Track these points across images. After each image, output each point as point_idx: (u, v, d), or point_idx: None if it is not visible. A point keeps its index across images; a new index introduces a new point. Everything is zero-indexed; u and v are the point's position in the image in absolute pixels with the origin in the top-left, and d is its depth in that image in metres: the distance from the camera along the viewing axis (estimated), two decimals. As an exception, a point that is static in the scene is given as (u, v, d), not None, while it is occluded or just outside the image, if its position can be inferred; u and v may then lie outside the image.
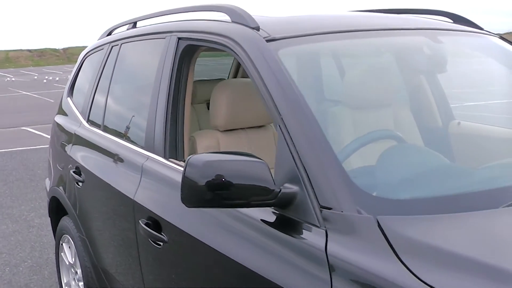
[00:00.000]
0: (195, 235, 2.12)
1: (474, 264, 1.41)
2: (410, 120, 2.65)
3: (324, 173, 1.71)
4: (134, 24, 3.45)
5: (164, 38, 2.75)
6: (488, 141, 2.77)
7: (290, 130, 1.83)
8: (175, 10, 2.93)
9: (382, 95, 2.58)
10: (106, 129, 3.27)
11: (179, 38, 2.61)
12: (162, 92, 2.60)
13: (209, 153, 1.76)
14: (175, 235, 2.26)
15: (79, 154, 3.45)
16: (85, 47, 4.13)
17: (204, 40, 2.44)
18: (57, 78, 31.79)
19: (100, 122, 3.35)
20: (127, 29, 3.48)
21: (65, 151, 3.68)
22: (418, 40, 2.59)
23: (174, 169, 2.37)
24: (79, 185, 3.34)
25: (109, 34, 3.78)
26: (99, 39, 3.88)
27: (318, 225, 1.66)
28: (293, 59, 2.21)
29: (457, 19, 2.95)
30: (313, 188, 1.70)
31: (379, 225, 1.55)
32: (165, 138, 2.52)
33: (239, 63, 3.27)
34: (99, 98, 3.45)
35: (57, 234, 3.88)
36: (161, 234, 2.32)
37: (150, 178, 2.55)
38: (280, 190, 1.73)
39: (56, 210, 3.90)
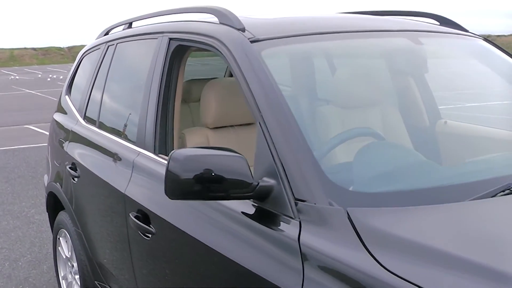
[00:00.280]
0: (180, 227, 2.22)
1: (436, 253, 1.49)
2: (398, 119, 2.73)
3: (299, 167, 1.80)
4: (129, 25, 3.55)
5: (156, 38, 2.84)
6: (473, 140, 2.86)
7: (269, 127, 1.92)
8: (168, 11, 3.03)
9: (366, 95, 2.66)
10: (101, 126, 3.37)
11: (170, 39, 2.71)
12: (153, 90, 2.69)
13: (191, 148, 1.86)
14: (162, 227, 2.36)
15: (75, 151, 3.54)
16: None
17: (193, 40, 2.54)
18: (61, 77, 31.86)
19: (95, 119, 3.45)
20: (123, 29, 3.57)
21: (62, 148, 3.78)
22: (400, 42, 2.67)
23: (162, 165, 2.46)
24: (74, 180, 3.44)
25: (106, 33, 3.88)
26: (96, 39, 3.98)
27: (293, 217, 1.75)
28: (276, 59, 2.30)
29: (443, 21, 3.03)
30: (289, 182, 1.79)
31: (348, 217, 1.64)
32: (155, 134, 2.61)
33: None
34: (95, 96, 3.55)
35: (54, 229, 3.99)
36: (150, 226, 2.42)
37: (140, 173, 2.65)
38: (258, 183, 1.82)
39: (54, 205, 4.00)
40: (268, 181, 1.84)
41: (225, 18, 2.41)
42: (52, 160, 4.06)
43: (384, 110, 2.71)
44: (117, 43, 3.46)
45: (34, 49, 61.05)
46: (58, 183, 3.81)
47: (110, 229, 2.99)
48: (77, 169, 3.41)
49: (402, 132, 2.64)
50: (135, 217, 2.52)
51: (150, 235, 2.43)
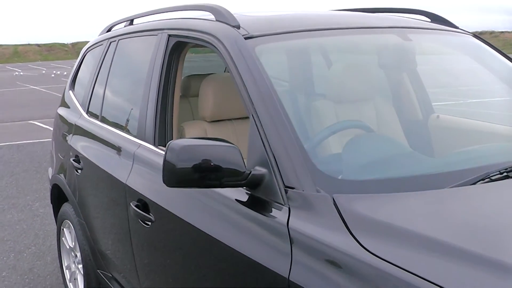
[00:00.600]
0: (178, 214, 2.33)
1: (414, 235, 1.60)
2: (392, 114, 2.83)
3: (289, 157, 1.91)
4: (131, 21, 3.65)
5: (156, 35, 2.94)
6: (464, 133, 2.96)
7: (261, 119, 2.02)
8: (167, 9, 3.14)
9: (359, 90, 2.77)
10: (103, 119, 3.48)
11: (170, 35, 2.81)
12: (153, 85, 2.80)
13: (187, 139, 1.96)
14: (161, 215, 2.47)
15: (79, 144, 3.66)
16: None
17: (191, 37, 2.64)
18: (65, 73, 31.96)
19: (98, 113, 3.56)
20: (125, 26, 3.68)
21: (66, 141, 3.90)
22: (391, 38, 2.77)
23: (162, 156, 2.57)
24: (78, 172, 3.55)
25: (109, 30, 3.98)
26: (99, 35, 4.09)
27: (283, 203, 1.85)
28: (269, 55, 2.40)
29: (434, 18, 3.13)
30: (279, 171, 1.90)
31: (334, 203, 1.75)
32: (155, 127, 2.72)
33: None
34: (98, 91, 3.66)
35: (58, 220, 4.10)
36: (149, 214, 2.53)
37: (140, 164, 2.76)
38: (250, 172, 1.93)
39: (58, 197, 4.12)
40: (260, 170, 1.94)
41: (221, 15, 2.52)
42: (56, 153, 4.18)
43: (378, 104, 2.81)
44: (119, 40, 3.56)
45: (38, 45, 61.18)
46: (62, 175, 3.92)
47: (112, 219, 3.10)
48: (81, 161, 3.52)
49: (396, 126, 2.75)
50: (136, 206, 2.63)
51: (149, 223, 2.54)
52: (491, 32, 54.36)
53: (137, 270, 2.85)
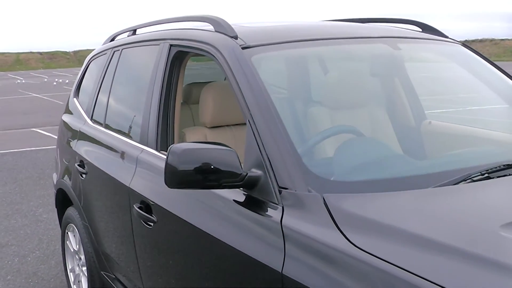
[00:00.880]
0: (179, 215, 2.46)
1: (398, 231, 1.72)
2: (386, 120, 2.96)
3: (282, 160, 2.04)
4: (134, 31, 3.79)
5: (158, 44, 3.08)
6: (454, 138, 3.09)
7: (257, 124, 2.15)
8: (169, 20, 3.27)
9: (352, 97, 2.90)
10: (107, 126, 3.60)
11: (171, 45, 2.94)
12: (155, 93, 2.93)
13: (188, 143, 2.09)
14: (163, 216, 2.59)
15: (83, 149, 3.78)
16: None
17: (191, 47, 2.78)
18: (67, 81, 32.14)
19: (102, 120, 3.69)
20: (128, 36, 3.81)
21: (71, 147, 4.02)
22: (380, 47, 2.90)
23: (164, 160, 2.69)
24: (82, 177, 3.68)
25: (112, 39, 4.12)
26: (103, 44, 4.22)
27: (277, 203, 1.98)
28: (265, 63, 2.53)
29: (425, 27, 3.26)
30: (273, 172, 2.03)
31: (324, 202, 1.88)
32: (157, 133, 2.84)
33: None
34: (102, 98, 3.79)
35: (63, 224, 4.22)
36: (152, 216, 2.66)
37: (143, 168, 2.88)
38: (247, 174, 2.06)
39: (62, 201, 4.24)
40: (256, 172, 2.07)
41: (220, 26, 2.65)
42: (61, 159, 4.30)
43: (372, 111, 2.94)
44: (122, 49, 3.70)
45: (40, 53, 61.41)
46: (66, 180, 4.05)
47: (116, 221, 3.22)
48: (85, 166, 3.65)
49: (390, 132, 2.87)
50: (139, 207, 2.75)
51: (152, 224, 2.67)
52: (492, 40, 54.51)
53: (140, 270, 2.97)
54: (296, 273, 1.78)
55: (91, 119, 3.88)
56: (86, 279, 3.83)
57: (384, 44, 2.89)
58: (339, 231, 1.77)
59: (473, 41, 53.99)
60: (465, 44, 3.23)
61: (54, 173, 4.58)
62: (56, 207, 4.47)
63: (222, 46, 2.51)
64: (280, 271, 1.82)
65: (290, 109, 2.52)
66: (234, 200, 2.17)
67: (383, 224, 1.76)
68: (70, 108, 4.45)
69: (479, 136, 3.06)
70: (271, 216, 1.97)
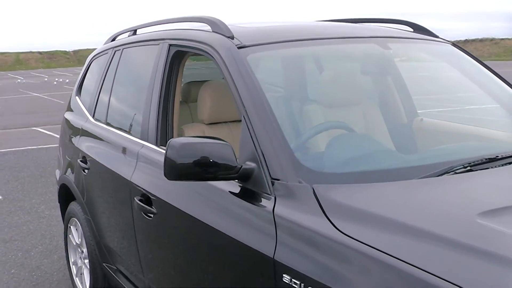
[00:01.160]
0: (178, 206, 2.59)
1: (382, 219, 1.84)
2: (379, 117, 3.09)
3: (275, 153, 2.17)
4: (134, 31, 3.91)
5: (158, 44, 3.20)
6: (445, 134, 3.22)
7: (251, 120, 2.28)
8: (168, 20, 3.40)
9: (345, 96, 3.02)
10: (108, 123, 3.73)
11: (170, 45, 3.06)
12: (155, 91, 3.05)
13: (186, 137, 2.22)
14: (162, 207, 2.72)
15: (85, 145, 3.91)
16: (95, 49, 4.57)
17: (190, 46, 2.90)
18: (67, 80, 32.22)
19: (103, 117, 3.81)
20: (128, 36, 3.93)
21: (73, 143, 4.15)
22: (371, 47, 3.03)
23: (163, 154, 2.82)
24: (85, 172, 3.80)
25: (113, 39, 4.24)
26: (104, 44, 4.35)
27: (270, 193, 2.10)
28: (260, 62, 2.65)
29: (416, 27, 3.37)
30: (266, 165, 2.15)
31: (313, 192, 2.00)
32: (157, 129, 2.97)
33: None
34: (103, 97, 3.91)
35: (66, 218, 4.34)
36: (152, 208, 2.78)
37: (144, 162, 3.01)
38: (242, 166, 2.18)
39: (65, 196, 4.36)
40: (250, 165, 2.20)
41: (217, 27, 2.77)
42: (64, 155, 4.43)
43: (365, 109, 3.06)
44: (123, 49, 3.82)
45: (40, 52, 61.47)
46: (69, 175, 4.17)
47: (117, 214, 3.35)
48: (87, 162, 3.77)
49: (382, 129, 3.00)
50: (139, 200, 2.87)
51: (152, 215, 2.79)
52: (492, 39, 54.56)
53: (140, 261, 3.09)
54: (286, 259, 1.91)
55: (93, 116, 3.99)
56: (88, 271, 3.95)
57: (375, 44, 3.00)
58: (327, 219, 1.89)
59: (473, 40, 54.00)
60: (455, 44, 3.35)
61: (57, 170, 4.70)
62: (59, 202, 4.58)
63: (219, 45, 2.64)
64: (272, 256, 1.94)
65: (283, 106, 2.65)
66: (229, 192, 2.30)
67: (368, 212, 1.89)
68: (72, 106, 4.57)
69: (467, 133, 3.19)
70: (264, 206, 2.10)
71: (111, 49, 4.00)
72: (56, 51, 62.80)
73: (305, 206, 1.99)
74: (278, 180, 2.10)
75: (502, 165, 2.25)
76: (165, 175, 2.21)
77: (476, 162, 2.23)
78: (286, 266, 1.89)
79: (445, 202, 1.96)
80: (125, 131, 3.44)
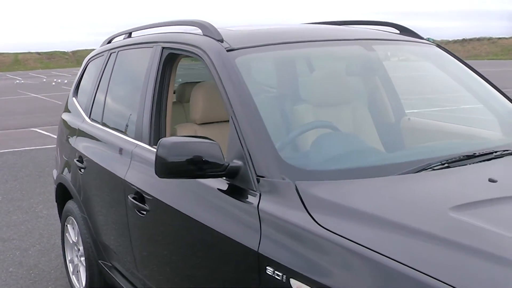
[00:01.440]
0: (169, 203, 2.69)
1: (359, 212, 1.94)
2: (367, 117, 3.18)
3: (260, 151, 2.27)
4: (129, 34, 4.01)
5: (151, 47, 3.30)
6: (431, 133, 3.32)
7: (239, 120, 2.38)
8: (162, 24, 3.51)
9: (330, 95, 3.12)
10: (104, 123, 3.83)
11: (163, 48, 3.16)
12: (149, 92, 3.15)
13: (176, 137, 2.32)
14: (155, 205, 2.82)
15: (82, 145, 4.01)
16: (94, 50, 4.66)
17: (182, 49, 3.00)
18: (66, 81, 32.24)
19: (99, 118, 3.91)
20: (124, 38, 4.04)
21: (70, 143, 4.25)
22: (355, 49, 3.13)
23: None
24: (81, 171, 3.90)
25: (109, 42, 4.34)
26: (100, 46, 4.45)
27: (255, 190, 2.21)
28: (248, 65, 2.75)
29: (402, 29, 3.47)
30: (252, 163, 2.25)
31: (296, 188, 2.11)
32: (150, 129, 3.07)
33: None
34: (99, 97, 4.01)
35: (63, 217, 4.44)
36: (145, 205, 2.88)
37: (137, 161, 3.11)
38: (229, 164, 2.28)
39: (62, 195, 4.46)
40: (237, 162, 2.30)
41: (207, 30, 2.88)
42: (61, 155, 4.53)
43: (353, 109, 3.16)
44: (119, 51, 3.92)
45: (38, 53, 61.48)
46: (66, 175, 4.27)
47: (112, 212, 3.44)
48: (84, 161, 3.87)
49: (371, 128, 3.10)
50: (133, 198, 2.97)
51: (144, 212, 2.89)
52: (489, 38, 54.63)
53: (134, 256, 3.19)
54: (270, 251, 2.01)
55: (89, 117, 4.09)
56: (84, 268, 4.04)
57: (360, 45, 3.11)
58: (308, 214, 1.99)
59: (470, 39, 54.09)
60: (440, 45, 3.45)
61: (54, 170, 4.80)
62: (56, 201, 4.68)
63: (209, 48, 2.74)
64: (257, 249, 2.05)
65: (270, 106, 2.75)
66: (218, 189, 2.40)
67: (347, 207, 1.99)
68: (69, 107, 4.67)
69: (452, 131, 3.30)
70: (250, 202, 2.20)
71: (107, 51, 4.10)
72: (55, 51, 62.85)
73: (288, 201, 2.09)
74: (263, 177, 2.21)
75: (479, 162, 2.36)
76: (156, 173, 2.31)
77: (454, 159, 2.34)
78: (270, 259, 1.99)
79: (420, 196, 2.07)
80: (120, 131, 3.53)
